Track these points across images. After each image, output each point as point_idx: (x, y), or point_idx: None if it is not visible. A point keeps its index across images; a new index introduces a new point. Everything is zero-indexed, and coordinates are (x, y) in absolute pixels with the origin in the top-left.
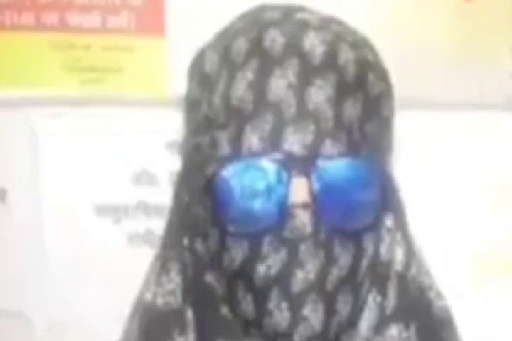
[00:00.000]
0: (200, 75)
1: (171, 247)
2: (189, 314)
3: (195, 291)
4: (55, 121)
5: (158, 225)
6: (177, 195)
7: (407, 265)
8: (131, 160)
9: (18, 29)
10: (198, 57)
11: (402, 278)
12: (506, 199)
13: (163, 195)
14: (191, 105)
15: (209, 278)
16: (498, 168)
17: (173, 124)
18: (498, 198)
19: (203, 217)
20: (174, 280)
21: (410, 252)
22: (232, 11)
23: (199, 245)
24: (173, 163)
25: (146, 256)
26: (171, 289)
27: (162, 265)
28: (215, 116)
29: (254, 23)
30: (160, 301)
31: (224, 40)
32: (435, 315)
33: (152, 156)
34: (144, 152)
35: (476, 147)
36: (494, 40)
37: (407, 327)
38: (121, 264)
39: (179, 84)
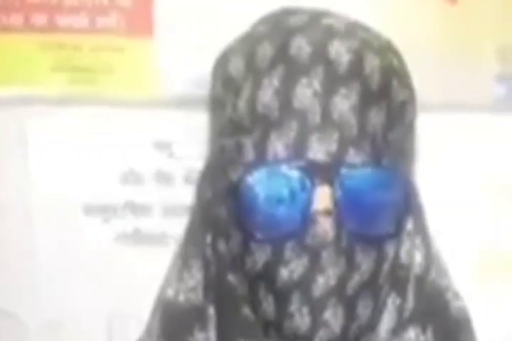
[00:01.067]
0: (224, 77)
1: (193, 244)
2: (210, 311)
3: (216, 289)
4: (45, 121)
5: (146, 224)
6: (200, 194)
7: (426, 268)
8: (120, 160)
9: (8, 30)
10: (222, 58)
11: (421, 281)
12: (506, 200)
13: (151, 195)
14: (216, 105)
15: (231, 277)
16: (496, 170)
17: (161, 124)
18: (498, 199)
19: (225, 218)
20: (196, 276)
21: (429, 256)
22: (221, 11)
23: (221, 245)
24: (161, 163)
25: (134, 255)
26: (193, 286)
27: (184, 261)
28: (240, 121)
29: (278, 28)
30: (181, 297)
31: (248, 44)
32: (452, 317)
33: (140, 156)
34: (132, 152)
35: (466, 148)
36: (479, 43)
37: (424, 330)
38: (110, 263)
39: (167, 84)
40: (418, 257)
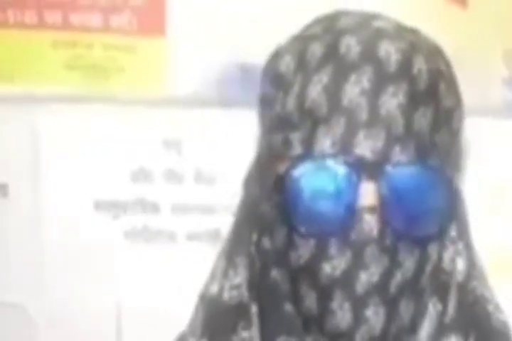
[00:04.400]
0: (274, 75)
1: (238, 242)
2: (254, 309)
3: (260, 287)
4: (56, 118)
5: (155, 222)
6: (247, 191)
7: (468, 276)
8: (130, 158)
9: (21, 27)
10: (273, 57)
11: (463, 288)
12: (504, 203)
13: (160, 192)
14: (265, 102)
15: (274, 274)
16: (506, 174)
17: (172, 123)
18: (508, 204)
19: (271, 214)
20: (241, 274)
21: (472, 263)
22: (233, 11)
23: (266, 241)
24: (170, 161)
25: (142, 251)
26: (238, 283)
27: (229, 259)
28: (289, 117)
29: (330, 29)
30: (226, 294)
31: (300, 44)
32: (494, 328)
33: (150, 154)
34: (142, 150)
35: (474, 152)
36: (488, 47)
37: (466, 338)
38: (119, 259)
39: (179, 83)
40: (460, 264)
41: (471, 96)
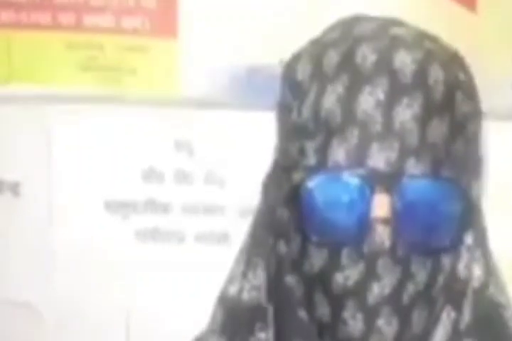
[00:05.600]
0: (292, 82)
1: (257, 244)
2: (271, 311)
3: (275, 291)
4: (68, 119)
5: (165, 222)
6: (265, 195)
7: (485, 283)
8: (141, 159)
9: (36, 29)
10: (291, 63)
11: (479, 295)
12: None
13: (170, 193)
14: (283, 109)
15: (289, 279)
16: (499, 179)
17: (183, 124)
18: (498, 208)
19: (287, 220)
20: (260, 275)
21: (489, 270)
22: (244, 14)
23: (282, 246)
24: (181, 162)
25: (152, 251)
26: (257, 284)
27: (248, 260)
28: (304, 125)
29: (346, 36)
30: (245, 295)
31: (317, 50)
32: (510, 335)
33: (161, 155)
34: (153, 151)
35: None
36: (497, 51)
37: None
38: (129, 258)
39: (190, 85)
40: (477, 270)
41: (482, 101)
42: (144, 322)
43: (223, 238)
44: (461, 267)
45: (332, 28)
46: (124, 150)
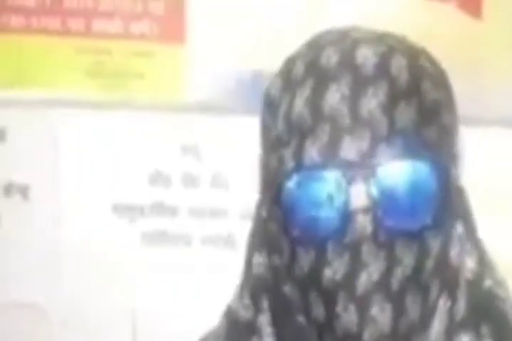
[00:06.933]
0: (267, 101)
1: (248, 263)
2: (267, 329)
3: (274, 303)
4: (76, 123)
5: (171, 225)
6: (256, 212)
7: (480, 275)
8: (148, 162)
9: (45, 34)
10: (267, 86)
11: (475, 287)
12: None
13: (177, 197)
14: (263, 129)
15: (286, 288)
16: (498, 184)
17: (190, 128)
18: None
19: (276, 230)
20: (251, 295)
21: (483, 262)
22: (252, 19)
23: (276, 259)
24: (188, 166)
25: (158, 254)
26: (249, 303)
27: (242, 281)
28: (280, 136)
29: (312, 47)
30: (242, 313)
31: (285, 65)
32: (507, 327)
33: (168, 159)
34: (160, 155)
35: (483, 162)
36: (502, 57)
37: (478, 336)
38: (135, 261)
39: (197, 90)
40: (470, 262)
41: (484, 107)
42: (150, 324)
43: (230, 241)
44: (453, 254)
45: (300, 46)
46: (131, 153)
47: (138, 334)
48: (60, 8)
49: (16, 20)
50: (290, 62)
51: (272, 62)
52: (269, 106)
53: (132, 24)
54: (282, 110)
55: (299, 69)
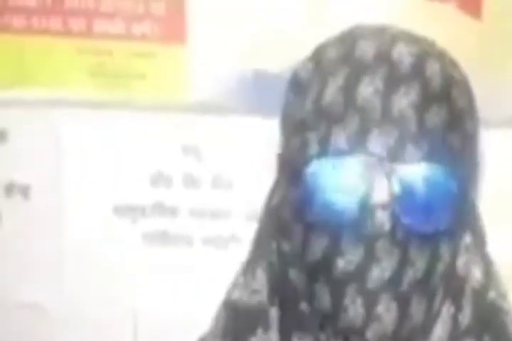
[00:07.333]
0: (294, 83)
1: (259, 250)
2: (274, 313)
3: (279, 289)
4: (78, 123)
5: (173, 226)
6: (269, 199)
7: (485, 286)
8: (150, 163)
9: (46, 34)
10: (296, 68)
11: (479, 297)
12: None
13: (178, 197)
14: (287, 112)
15: (292, 275)
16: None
17: (191, 129)
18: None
19: (288, 214)
20: (260, 279)
21: (489, 274)
22: (254, 19)
23: (285, 245)
24: (189, 167)
25: (160, 255)
26: (257, 289)
27: (249, 266)
28: (306, 119)
29: (346, 37)
30: (246, 299)
31: (317, 50)
32: (510, 339)
33: (169, 159)
34: (161, 155)
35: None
36: (503, 58)
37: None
38: (136, 262)
39: (198, 90)
40: (477, 273)
41: (486, 108)
42: (152, 325)
43: (231, 241)
44: (460, 264)
45: (333, 35)
46: (132, 154)
47: (139, 334)
48: (62, 9)
49: (17, 21)
50: (323, 49)
51: (274, 62)
52: (297, 88)
53: (134, 25)
54: (312, 94)
55: (333, 56)
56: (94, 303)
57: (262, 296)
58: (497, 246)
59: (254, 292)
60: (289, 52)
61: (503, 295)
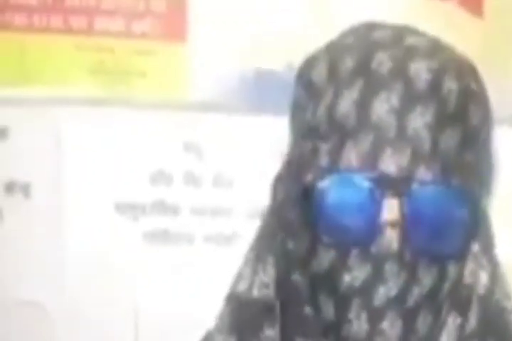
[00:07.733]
0: (307, 82)
1: (267, 241)
2: (278, 308)
3: (282, 288)
4: (79, 121)
5: (173, 224)
6: (274, 194)
7: (491, 289)
8: (151, 161)
9: (47, 32)
10: (306, 64)
11: (485, 301)
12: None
13: (179, 195)
14: (297, 109)
15: (295, 277)
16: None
17: (192, 127)
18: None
19: (296, 221)
20: (270, 273)
21: (495, 276)
22: (254, 18)
23: (290, 245)
24: (190, 165)
25: (161, 253)
26: (267, 281)
27: (258, 257)
28: (318, 127)
29: (361, 42)
30: (255, 292)
31: (332, 54)
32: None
33: (170, 157)
34: (162, 153)
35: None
36: (505, 56)
37: None
38: (137, 260)
39: (199, 88)
40: (483, 278)
41: None
42: (153, 323)
43: (232, 239)
44: (467, 274)
45: (347, 34)
46: (133, 152)
47: (140, 333)
48: (62, 7)
49: (18, 19)
50: (336, 53)
51: (275, 61)
52: (309, 89)
53: (134, 22)
54: (325, 102)
55: (348, 65)
56: (94, 301)
57: (270, 290)
58: (503, 248)
59: (264, 284)
60: (290, 51)
61: (506, 295)
